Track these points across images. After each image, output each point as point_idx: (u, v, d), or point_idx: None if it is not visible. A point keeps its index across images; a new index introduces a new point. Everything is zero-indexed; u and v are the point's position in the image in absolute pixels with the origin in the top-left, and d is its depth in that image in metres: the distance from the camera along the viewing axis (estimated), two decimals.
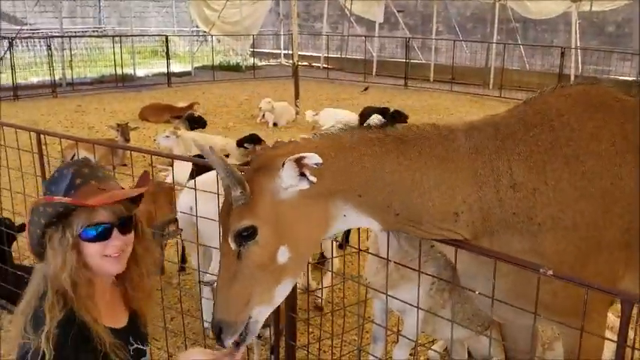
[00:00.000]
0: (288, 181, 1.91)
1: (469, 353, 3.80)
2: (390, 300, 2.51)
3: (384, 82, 17.96)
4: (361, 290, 3.01)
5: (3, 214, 4.69)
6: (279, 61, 23.85)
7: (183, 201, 3.86)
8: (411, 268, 2.52)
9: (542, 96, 2.25)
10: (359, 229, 2.97)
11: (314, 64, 21.75)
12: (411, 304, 2.44)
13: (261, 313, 2.02)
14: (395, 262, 2.51)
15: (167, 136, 8.28)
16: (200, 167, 4.11)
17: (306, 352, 3.59)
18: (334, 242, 4.05)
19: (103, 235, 1.95)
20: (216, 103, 14.31)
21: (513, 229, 2.07)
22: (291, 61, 16.25)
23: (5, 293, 4.50)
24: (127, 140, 8.62)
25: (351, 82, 18.18)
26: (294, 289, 2.98)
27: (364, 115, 10.99)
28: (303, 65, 19.20)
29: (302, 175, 1.90)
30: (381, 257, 2.51)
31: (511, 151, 2.07)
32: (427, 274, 2.50)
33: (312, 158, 1.85)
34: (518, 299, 2.12)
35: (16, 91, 14.58)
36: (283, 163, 1.89)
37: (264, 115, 12.01)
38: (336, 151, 2.01)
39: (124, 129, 8.61)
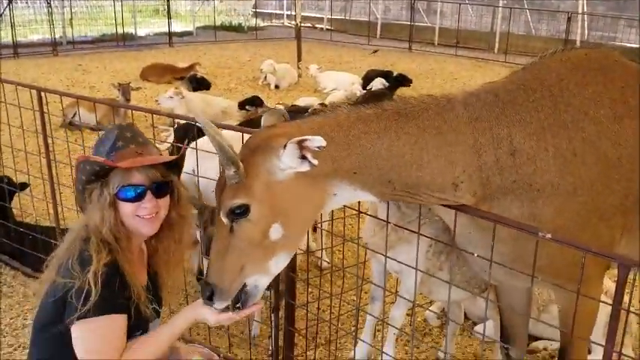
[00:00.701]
0: (288, 162, 1.90)
1: (465, 315, 3.86)
2: (388, 261, 2.54)
3: (388, 44, 17.73)
4: (360, 252, 3.04)
5: (5, 172, 4.70)
6: (281, 22, 23.51)
7: (189, 164, 3.82)
8: (409, 230, 2.54)
9: (542, 61, 2.23)
10: None
11: (317, 26, 21.45)
12: (408, 266, 2.47)
13: (259, 281, 2.03)
14: (393, 224, 2.52)
15: (170, 97, 8.21)
16: (200, 129, 4.09)
17: (305, 310, 3.65)
18: None
19: (137, 196, 2.07)
20: (218, 64, 14.17)
21: (512, 196, 2.07)
22: (293, 22, 16.02)
23: (8, 250, 4.55)
24: (128, 100, 8.57)
25: (355, 45, 17.95)
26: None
27: (367, 78, 10.91)
28: (306, 27, 18.96)
29: (303, 157, 1.88)
30: (379, 219, 2.52)
31: (511, 117, 2.06)
32: (425, 236, 2.51)
33: (315, 141, 1.83)
34: (515, 263, 2.14)
35: (17, 49, 14.44)
36: (285, 145, 1.87)
37: (266, 76, 11.91)
38: (333, 130, 1.99)
39: (125, 89, 8.54)
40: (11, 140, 4.40)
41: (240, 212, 1.92)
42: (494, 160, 2.04)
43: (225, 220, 1.95)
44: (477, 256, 2.22)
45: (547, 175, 2.04)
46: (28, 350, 3.56)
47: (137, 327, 2.11)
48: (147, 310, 2.10)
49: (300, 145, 1.86)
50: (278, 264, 2.05)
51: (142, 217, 2.09)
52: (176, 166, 2.22)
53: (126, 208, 2.07)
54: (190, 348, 2.32)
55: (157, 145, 6.33)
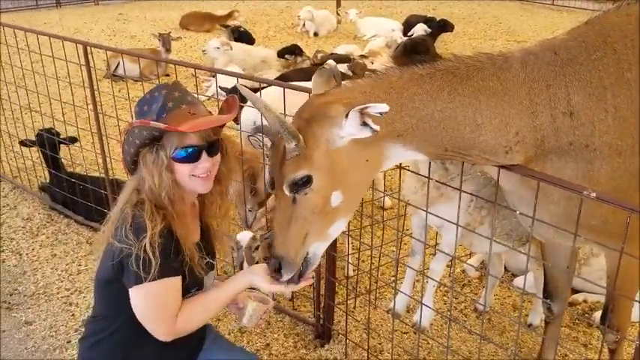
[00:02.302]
0: (350, 130, 1.89)
1: (504, 267, 3.88)
2: (429, 216, 2.56)
3: None
4: (400, 205, 3.07)
5: (54, 123, 4.86)
6: None
7: (246, 117, 3.85)
8: (451, 187, 2.54)
9: (606, 15, 2.11)
10: None
11: None
12: (449, 221, 2.48)
13: (319, 248, 2.08)
14: (436, 181, 2.53)
15: (218, 48, 8.17)
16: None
17: (345, 261, 3.74)
18: None
19: (193, 157, 2.09)
20: (256, 11, 14.02)
21: (567, 157, 2.03)
22: None
23: (61, 199, 4.76)
24: (169, 50, 8.63)
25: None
26: None
27: (408, 24, 10.64)
28: None
29: (364, 124, 1.87)
30: (420, 175, 2.53)
31: (570, 77, 1.98)
32: (466, 193, 2.51)
33: (378, 107, 1.81)
34: (568, 224, 2.11)
35: None
36: (347, 114, 1.86)
37: (304, 24, 11.74)
38: (386, 93, 1.97)
39: (165, 39, 8.59)
40: (59, 92, 4.53)
41: (303, 183, 1.93)
42: (550, 121, 1.99)
43: (287, 192, 1.97)
44: (520, 213, 2.22)
45: (605, 136, 1.98)
46: (83, 294, 3.80)
47: (192, 285, 2.18)
48: (200, 269, 2.16)
49: (362, 112, 1.85)
50: (337, 229, 2.09)
51: (198, 176, 2.11)
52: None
53: (181, 169, 2.09)
54: (245, 293, 2.40)
55: (199, 96, 6.42)
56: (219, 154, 2.18)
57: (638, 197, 2.04)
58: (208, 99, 7.21)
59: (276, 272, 2.06)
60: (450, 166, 2.63)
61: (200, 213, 2.33)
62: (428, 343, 3.38)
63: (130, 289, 2.05)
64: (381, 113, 1.82)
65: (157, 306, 2.07)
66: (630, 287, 2.31)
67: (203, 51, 8.51)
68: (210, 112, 2.19)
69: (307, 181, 1.93)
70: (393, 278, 3.82)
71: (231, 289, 2.21)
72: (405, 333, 3.50)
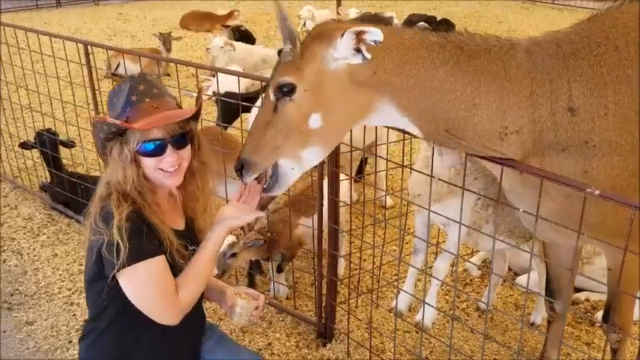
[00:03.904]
0: (342, 51, 1.91)
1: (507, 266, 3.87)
2: (434, 214, 2.55)
3: None
4: (402, 204, 3.06)
5: (55, 123, 4.85)
6: None
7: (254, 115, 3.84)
8: (456, 186, 2.53)
9: (608, 12, 2.10)
10: (403, 144, 2.98)
11: None
12: (454, 220, 2.47)
13: (289, 168, 2.08)
14: (439, 179, 2.52)
15: (221, 47, 8.15)
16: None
17: (347, 261, 3.73)
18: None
19: (158, 151, 2.06)
20: (257, 11, 14.01)
21: (566, 152, 2.02)
22: None
23: (62, 199, 4.75)
24: (169, 49, 8.62)
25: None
26: (336, 203, 3.06)
27: (409, 22, 10.62)
28: None
29: (358, 50, 1.89)
30: (426, 174, 2.52)
31: (572, 71, 1.98)
32: (471, 192, 2.51)
33: (374, 34, 1.83)
34: (566, 221, 2.10)
35: None
36: (343, 33, 1.88)
37: (305, 23, 11.73)
38: (394, 45, 1.98)
39: (166, 38, 8.59)
40: (60, 92, 4.52)
41: (286, 91, 1.97)
42: (549, 114, 1.98)
43: (272, 96, 2.02)
44: (523, 211, 2.21)
45: (605, 133, 1.97)
46: (84, 294, 3.79)
47: (179, 268, 2.14)
48: (182, 256, 2.13)
49: (358, 36, 1.86)
50: (310, 156, 2.09)
51: (165, 170, 2.10)
52: (194, 115, 2.19)
53: (148, 163, 2.08)
54: (236, 290, 2.39)
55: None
56: (187, 148, 2.15)
57: (636, 196, 2.03)
58: (209, 98, 7.21)
59: (237, 171, 2.10)
60: (468, 163, 2.62)
61: (183, 205, 2.31)
62: (430, 342, 3.37)
63: (119, 280, 2.03)
64: (375, 42, 1.84)
65: (151, 288, 2.05)
66: (632, 285, 2.31)
67: (207, 49, 8.50)
68: (178, 105, 2.16)
69: (291, 89, 1.97)
70: (395, 277, 3.81)
71: (211, 244, 2.18)
72: (407, 332, 3.49)
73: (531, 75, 1.98)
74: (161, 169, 2.09)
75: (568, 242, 2.39)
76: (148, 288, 2.05)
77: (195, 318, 2.29)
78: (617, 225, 2.06)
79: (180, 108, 2.17)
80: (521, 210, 2.24)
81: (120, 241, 1.95)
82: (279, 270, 3.74)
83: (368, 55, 1.89)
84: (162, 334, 2.14)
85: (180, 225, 2.29)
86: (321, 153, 2.13)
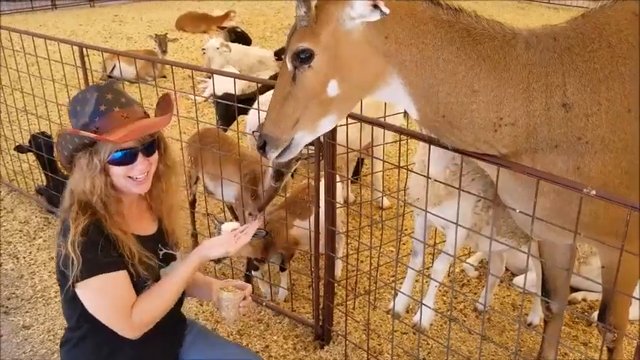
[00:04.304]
0: (360, 10, 1.90)
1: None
2: (434, 216, 2.55)
3: None
4: (399, 205, 3.06)
5: (50, 125, 4.84)
6: None
7: (252, 121, 3.88)
8: (453, 187, 2.53)
9: (602, 9, 2.11)
10: (399, 145, 2.98)
11: None
12: (454, 223, 2.47)
13: (304, 138, 2.11)
14: (436, 181, 2.51)
15: (217, 48, 8.14)
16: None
17: (344, 262, 3.73)
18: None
19: (129, 159, 2.06)
20: (252, 12, 14.00)
21: (559, 149, 2.03)
22: None
23: (58, 202, 4.71)
24: (165, 51, 8.60)
25: None
26: (333, 204, 3.06)
27: None
28: None
29: (375, 6, 1.88)
30: (423, 176, 2.52)
31: (567, 66, 1.99)
32: (470, 193, 2.50)
33: None
34: (557, 218, 2.12)
35: (54, 1, 14.52)
36: None
37: None
38: (406, 14, 1.98)
39: (161, 40, 8.57)
40: (56, 95, 4.51)
41: (304, 57, 1.97)
42: (544, 108, 1.99)
43: (289, 65, 2.01)
44: (519, 212, 2.21)
45: (598, 129, 1.99)
46: None
47: (141, 282, 2.13)
48: (147, 267, 2.11)
49: None
50: (326, 125, 2.11)
51: (134, 178, 2.09)
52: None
53: (117, 171, 2.06)
54: (222, 283, 2.37)
55: (196, 97, 6.36)
56: (156, 154, 2.16)
57: (629, 194, 2.03)
58: (205, 100, 7.21)
59: (260, 149, 2.11)
60: (459, 164, 2.62)
61: (153, 209, 2.30)
62: (428, 344, 3.37)
63: (77, 292, 2.03)
64: None
65: (104, 303, 2.05)
66: (627, 284, 2.31)
67: (202, 49, 8.49)
68: (145, 113, 2.15)
69: (309, 56, 1.96)
70: (392, 278, 3.81)
71: (184, 269, 2.18)
72: (404, 333, 3.49)
73: (528, 68, 1.99)
74: (130, 177, 2.08)
75: (563, 241, 2.39)
76: (102, 302, 2.06)
77: (173, 323, 2.29)
78: (609, 223, 2.07)
79: (146, 115, 2.16)
80: (517, 210, 2.24)
81: (74, 256, 1.95)
82: (282, 269, 3.74)
83: (386, 10, 1.87)
84: (142, 341, 2.12)
85: (151, 229, 2.28)
86: (335, 121, 2.16)
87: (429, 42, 1.98)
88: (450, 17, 2.02)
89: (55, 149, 2.16)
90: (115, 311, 2.06)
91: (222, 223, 3.00)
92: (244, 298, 2.32)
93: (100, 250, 2.00)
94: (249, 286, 2.41)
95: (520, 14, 13.69)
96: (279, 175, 3.42)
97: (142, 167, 2.09)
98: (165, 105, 2.23)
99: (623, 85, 1.98)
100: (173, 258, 2.33)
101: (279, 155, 2.13)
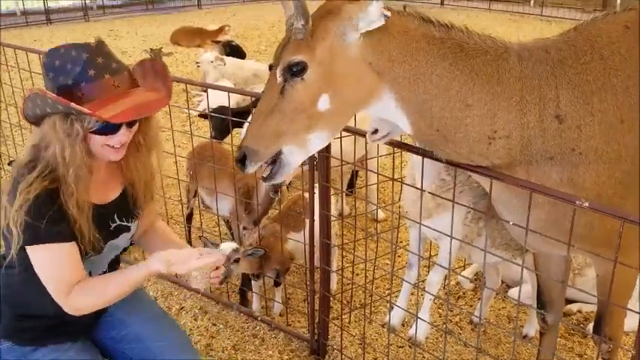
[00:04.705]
0: (374, 14, 1.89)
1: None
2: (427, 228, 2.55)
3: (419, 0, 17.32)
4: (394, 218, 3.06)
5: None
6: None
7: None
8: (444, 198, 2.54)
9: (594, 22, 2.13)
10: (393, 157, 2.99)
11: None
12: (446, 234, 2.47)
13: (293, 154, 2.04)
14: (429, 192, 2.52)
15: (211, 62, 8.17)
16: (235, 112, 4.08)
17: (340, 275, 3.72)
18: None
19: (112, 130, 1.99)
20: (247, 26, 14.08)
21: (553, 160, 2.03)
22: None
23: None
24: None
25: (386, 2, 17.54)
26: (327, 217, 3.06)
27: None
28: None
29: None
30: (416, 188, 2.53)
31: (560, 78, 2.00)
32: (461, 205, 2.51)
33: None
34: (552, 230, 2.12)
35: (49, 15, 14.59)
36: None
37: None
38: (399, 32, 1.99)
39: (156, 54, 8.61)
40: None
41: (296, 70, 1.94)
42: (537, 120, 2.00)
43: (279, 78, 1.97)
44: (513, 224, 2.22)
45: (592, 140, 2.00)
46: None
47: (87, 252, 2.09)
48: (93, 248, 2.06)
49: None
50: (316, 141, 2.06)
51: (112, 146, 2.02)
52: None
53: (96, 139, 1.98)
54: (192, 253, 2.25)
55: (191, 111, 6.35)
56: (137, 124, 2.09)
57: (623, 204, 2.04)
58: (199, 114, 7.21)
59: (239, 162, 2.02)
60: (447, 177, 2.62)
61: (122, 174, 2.24)
62: (424, 357, 3.36)
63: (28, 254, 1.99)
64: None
65: (46, 272, 2.00)
66: (621, 295, 2.31)
67: (197, 63, 8.52)
68: (134, 80, 2.05)
69: (302, 69, 1.93)
70: (387, 292, 3.80)
71: (131, 272, 2.12)
72: (400, 347, 3.47)
73: (522, 81, 2.01)
74: (107, 145, 2.02)
75: (558, 252, 2.39)
76: (43, 271, 2.01)
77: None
78: (604, 234, 2.07)
79: (135, 82, 2.06)
80: (510, 223, 2.24)
81: (22, 220, 1.89)
82: (277, 284, 3.72)
83: (388, 13, 1.89)
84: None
85: (114, 194, 2.22)
86: (327, 137, 2.11)
87: (422, 59, 1.99)
88: (442, 34, 2.03)
89: (23, 103, 1.97)
90: (55, 284, 2.01)
91: (215, 243, 3.02)
92: (216, 268, 2.23)
93: (48, 219, 1.92)
94: (220, 254, 2.31)
95: (513, 27, 13.80)
96: (276, 186, 3.42)
97: (124, 137, 2.02)
98: (155, 76, 2.12)
99: (615, 97, 1.99)
100: (126, 229, 2.27)
101: (271, 176, 2.07)
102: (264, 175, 2.09)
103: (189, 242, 4.25)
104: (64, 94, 1.90)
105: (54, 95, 1.89)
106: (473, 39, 2.05)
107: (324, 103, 1.98)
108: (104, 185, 2.19)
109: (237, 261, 3.21)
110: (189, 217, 4.29)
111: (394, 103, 2.04)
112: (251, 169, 2.03)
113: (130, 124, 2.03)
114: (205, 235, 3.45)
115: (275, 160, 2.05)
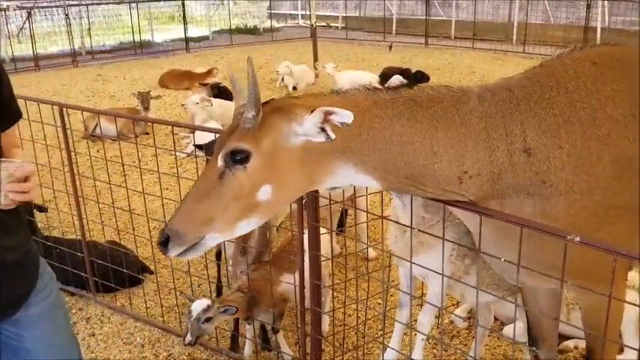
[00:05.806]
0: (307, 129, 1.90)
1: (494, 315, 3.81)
2: (413, 266, 2.52)
3: (405, 40, 17.65)
4: (385, 256, 3.02)
5: None
6: (296, 22, 23.53)
7: None
8: (430, 234, 2.51)
9: (560, 58, 2.18)
10: (382, 195, 2.96)
11: (332, 25, 21.41)
12: (432, 270, 2.44)
13: (215, 239, 2.01)
14: (415, 229, 2.49)
15: (197, 103, 8.20)
16: None
17: (331, 317, 3.65)
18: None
19: None
20: (235, 68, 14.21)
21: (525, 193, 2.04)
22: (308, 22, 16.01)
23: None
24: (147, 108, 8.66)
25: (371, 42, 17.90)
26: (318, 257, 3.01)
27: (385, 75, 10.84)
28: (322, 26, 18.94)
29: (322, 129, 1.89)
30: (401, 224, 2.50)
31: (525, 114, 2.03)
32: (447, 240, 2.48)
33: (344, 116, 1.83)
34: (530, 262, 2.09)
35: (37, 62, 14.70)
36: (312, 110, 1.88)
37: (283, 78, 11.91)
38: (350, 107, 1.96)
39: (144, 97, 8.64)
40: (35, 155, 4.46)
41: (239, 158, 1.91)
42: (506, 156, 2.02)
43: (219, 162, 1.94)
44: (504, 260, 2.19)
45: (561, 172, 2.01)
46: None
47: None
48: None
49: (326, 115, 1.86)
50: (244, 228, 2.02)
51: None
52: None
53: None
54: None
55: (178, 153, 6.35)
56: None
57: (596, 236, 2.02)
58: (187, 156, 7.21)
59: (161, 245, 1.95)
60: (426, 214, 2.61)
61: None
62: None
63: None
64: (342, 124, 1.84)
65: None
66: (609, 328, 2.27)
67: (183, 105, 8.58)
68: None
69: (245, 157, 1.91)
70: (380, 332, 3.73)
71: None
72: None
73: (485, 120, 2.03)
74: None
75: (542, 285, 2.36)
76: None
77: (19, 255, 2.05)
78: (585, 267, 2.06)
79: None
80: (502, 259, 2.21)
81: None
82: (275, 331, 3.62)
83: (333, 136, 1.89)
84: None
85: None
86: (257, 223, 2.08)
87: (377, 126, 2.00)
88: (392, 95, 2.05)
89: None
90: None
91: (191, 299, 2.99)
92: (25, 180, 1.84)
93: None
94: (27, 165, 1.90)
95: (497, 64, 14.05)
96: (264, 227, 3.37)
97: None
98: None
99: (582, 129, 2.01)
100: None
101: (181, 254, 2.00)
102: (178, 254, 1.99)
103: (219, 279, 4.19)
104: None
105: None
106: (425, 92, 2.08)
107: (264, 193, 1.96)
108: None
109: (208, 320, 3.15)
110: (218, 255, 4.21)
111: (353, 171, 2.04)
112: (173, 253, 1.97)
113: None
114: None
115: (194, 245, 1.99)
